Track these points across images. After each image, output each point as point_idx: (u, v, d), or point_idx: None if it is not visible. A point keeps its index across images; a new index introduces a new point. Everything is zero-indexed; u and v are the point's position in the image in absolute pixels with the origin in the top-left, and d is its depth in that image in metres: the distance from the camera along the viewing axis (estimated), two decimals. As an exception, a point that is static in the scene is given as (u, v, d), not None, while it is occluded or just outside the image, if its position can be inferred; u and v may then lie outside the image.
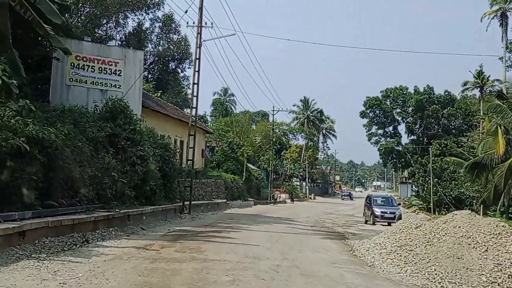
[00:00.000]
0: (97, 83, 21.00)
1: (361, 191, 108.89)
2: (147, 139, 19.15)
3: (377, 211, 25.85)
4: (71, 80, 20.75)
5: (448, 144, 56.79)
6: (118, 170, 15.41)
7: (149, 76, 46.06)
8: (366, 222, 27.55)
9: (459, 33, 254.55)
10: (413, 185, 65.80)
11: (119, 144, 16.49)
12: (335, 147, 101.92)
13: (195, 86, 22.41)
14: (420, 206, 50.34)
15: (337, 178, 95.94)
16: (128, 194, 16.01)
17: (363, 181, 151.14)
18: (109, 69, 21.38)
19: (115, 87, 20.99)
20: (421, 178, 49.84)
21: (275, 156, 68.76)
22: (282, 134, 66.99)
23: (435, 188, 46.08)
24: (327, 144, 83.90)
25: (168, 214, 19.26)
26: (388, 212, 25.81)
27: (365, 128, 65.23)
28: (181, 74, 47.00)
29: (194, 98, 22.47)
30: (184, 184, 22.80)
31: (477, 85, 48.42)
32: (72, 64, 20.78)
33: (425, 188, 48.25)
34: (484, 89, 48.44)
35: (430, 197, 46.28)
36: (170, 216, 19.44)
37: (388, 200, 27.83)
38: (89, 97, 20.36)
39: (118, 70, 21.52)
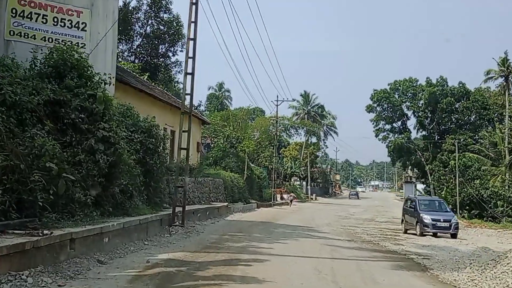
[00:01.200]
0: (50, 39, 14.27)
1: (364, 191, 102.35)
2: (118, 116, 12.57)
3: (427, 218, 19.38)
4: (12, 33, 14.04)
5: (464, 140, 50.90)
6: (61, 159, 8.78)
7: (136, 61, 39.42)
8: (406, 231, 21.12)
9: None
10: (426, 185, 59.75)
11: (68, 118, 9.88)
12: (336, 145, 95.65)
13: (191, 43, 15.70)
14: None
15: (337, 177, 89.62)
16: (81, 199, 9.40)
17: (360, 180, 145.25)
18: (69, 20, 14.67)
19: (77, 46, 14.28)
20: (441, 176, 43.53)
21: (274, 154, 62.28)
22: (284, 129, 60.22)
23: (460, 187, 39.89)
24: (325, 142, 77.46)
25: (151, 228, 12.57)
26: (442, 220, 19.36)
27: (372, 123, 59.05)
28: (173, 59, 40.37)
29: (190, 61, 15.67)
30: (175, 183, 16.14)
31: (501, 73, 42.31)
32: (14, 11, 14.07)
33: (447, 188, 41.99)
34: (510, 78, 42.36)
35: (454, 196, 39.96)
36: (154, 232, 12.77)
37: (438, 204, 21.32)
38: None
39: (82, 23, 14.82)
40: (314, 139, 74.81)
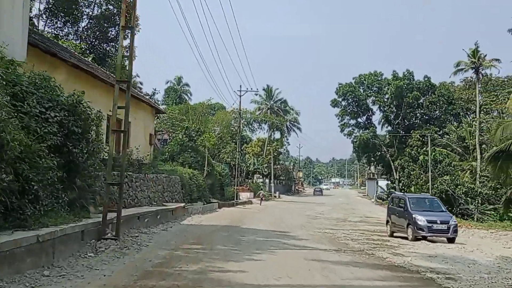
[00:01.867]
0: None
1: (328, 189, 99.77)
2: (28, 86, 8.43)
3: (421, 220, 16.15)
4: None
5: (431, 134, 48.95)
6: None
7: (84, 44, 34.52)
8: (392, 234, 17.90)
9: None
10: (391, 181, 57.75)
11: None
12: (300, 141, 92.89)
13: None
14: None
15: (300, 174, 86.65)
16: None
17: (320, 178, 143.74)
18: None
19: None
20: (411, 171, 41.16)
21: (237, 149, 58.49)
22: (246, 123, 56.47)
23: (431, 182, 37.57)
24: (287, 139, 74.25)
25: (64, 247, 8.34)
26: (439, 222, 16.20)
27: (338, 118, 56.36)
28: (125, 43, 35.63)
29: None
30: (110, 179, 11.99)
31: (472, 65, 40.37)
32: None
33: (416, 184, 39.65)
34: (480, 70, 40.51)
35: (425, 192, 37.54)
36: (70, 251, 8.59)
37: (431, 202, 18.08)
38: None
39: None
40: (277, 135, 71.68)
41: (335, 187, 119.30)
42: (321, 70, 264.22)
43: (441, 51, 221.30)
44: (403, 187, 53.52)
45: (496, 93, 45.78)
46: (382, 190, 73.99)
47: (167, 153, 32.16)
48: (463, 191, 32.42)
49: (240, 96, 39.49)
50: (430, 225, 15.99)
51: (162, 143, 39.83)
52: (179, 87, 71.91)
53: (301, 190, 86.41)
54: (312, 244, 13.76)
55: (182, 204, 21.77)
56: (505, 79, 49.56)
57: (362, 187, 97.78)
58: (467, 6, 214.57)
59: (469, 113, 50.61)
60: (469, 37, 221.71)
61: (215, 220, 21.05)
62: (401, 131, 53.25)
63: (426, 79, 51.68)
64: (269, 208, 37.97)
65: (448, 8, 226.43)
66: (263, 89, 69.71)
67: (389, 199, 20.56)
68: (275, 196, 60.98)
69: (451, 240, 16.24)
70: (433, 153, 39.23)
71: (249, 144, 71.23)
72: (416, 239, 16.16)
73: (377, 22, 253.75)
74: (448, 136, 47.12)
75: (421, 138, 49.07)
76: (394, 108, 52.76)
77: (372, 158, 57.46)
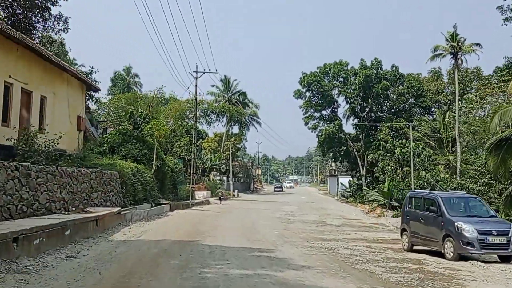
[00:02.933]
0: None
1: (292, 187, 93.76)
2: None
3: (469, 230, 10.67)
4: None
5: (401, 128, 44.75)
6: None
7: (2, 12, 27.02)
8: (411, 248, 12.44)
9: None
10: (357, 177, 53.23)
11: None
12: (259, 136, 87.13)
13: None
14: (381, 202, 36.96)
15: (259, 172, 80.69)
16: None
17: (277, 175, 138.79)
18: None
19: None
20: (386, 166, 36.38)
21: (193, 141, 51.94)
22: (203, 114, 49.68)
23: (408, 178, 32.90)
24: (245, 134, 68.25)
25: None
26: (494, 233, 10.75)
27: (302, 110, 50.92)
28: (54, 10, 28.38)
29: None
30: None
31: (451, 49, 36.08)
32: None
33: (392, 180, 34.87)
34: (459, 55, 36.31)
35: (402, 190, 32.81)
36: None
37: (473, 203, 12.45)
38: None
39: None
40: (235, 129, 65.67)
41: (295, 184, 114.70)
42: (300, 69, 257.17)
43: (428, 48, 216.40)
44: (371, 184, 49.15)
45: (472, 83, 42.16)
46: (344, 187, 69.88)
47: (106, 145, 25.33)
48: (452, 188, 27.78)
49: (196, 78, 33.07)
50: (482, 237, 10.54)
51: (102, 132, 32.79)
52: (128, 77, 64.31)
53: (260, 188, 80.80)
54: (324, 280, 7.88)
55: (116, 209, 15.22)
56: (474, 70, 46.16)
57: (321, 184, 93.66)
58: (454, 4, 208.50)
59: (439, 105, 46.83)
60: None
61: (163, 232, 14.75)
62: (368, 124, 48.67)
63: (393, 68, 47.31)
64: (231, 209, 31.95)
65: (435, 7, 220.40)
66: (221, 80, 63.46)
67: (405, 199, 14.90)
68: (233, 195, 54.99)
69: (507, 259, 10.92)
70: (409, 146, 34.62)
71: (205, 139, 64.81)
72: (459, 258, 10.71)
73: (360, 21, 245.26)
74: (419, 129, 42.95)
75: (391, 132, 44.66)
76: (360, 100, 48.09)
77: (338, 154, 52.56)
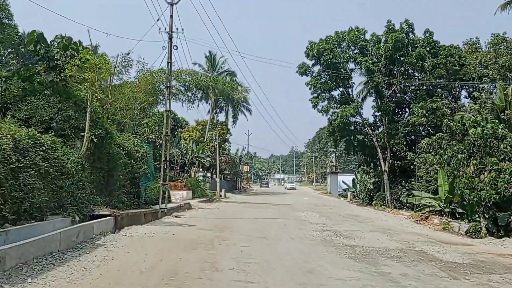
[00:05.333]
0: None
1: (294, 188, 72.02)
2: None
3: None
4: None
5: (438, 107, 32.96)
6: None
7: None
8: None
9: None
10: (374, 175, 41.09)
11: None
12: (248, 126, 73.33)
13: None
14: (436, 208, 25.04)
15: (245, 168, 67.94)
16: None
17: (261, 174, 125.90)
18: None
19: None
20: (455, 155, 24.04)
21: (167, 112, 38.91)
22: (182, 89, 35.97)
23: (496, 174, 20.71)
24: (234, 122, 55.13)
25: None
26: None
27: (310, 88, 38.38)
28: None
29: None
30: None
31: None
32: None
33: (464, 178, 22.61)
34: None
35: (484, 192, 20.61)
36: None
37: None
38: None
39: None
40: (221, 118, 52.79)
41: (281, 183, 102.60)
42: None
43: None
44: (396, 181, 37.14)
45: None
46: (347, 187, 57.79)
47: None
48: None
49: (173, 3, 19.87)
50: None
51: None
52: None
53: (248, 188, 67.85)
54: None
55: None
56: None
57: (315, 184, 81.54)
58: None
59: (487, 79, 35.07)
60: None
61: None
62: (387, 110, 36.34)
63: (427, 35, 35.35)
64: (225, 219, 19.13)
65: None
66: (205, 57, 50.45)
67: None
68: (220, 195, 42.09)
69: None
70: (486, 125, 22.44)
71: (185, 128, 51.66)
72: None
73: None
74: (468, 108, 31.09)
75: (427, 114, 32.62)
76: (385, 74, 35.93)
77: (351, 144, 40.11)
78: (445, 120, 24.17)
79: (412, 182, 34.09)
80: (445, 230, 20.74)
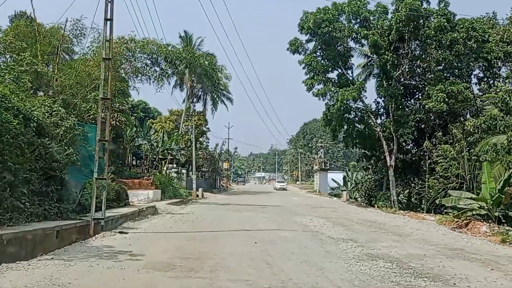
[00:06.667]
0: None
1: (285, 188, 57.72)
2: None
3: None
4: None
5: (459, 90, 26.98)
6: None
7: None
8: None
9: None
10: (378, 171, 34.68)
11: None
12: (229, 118, 65.96)
13: None
14: (481, 212, 18.59)
15: (225, 166, 60.28)
16: None
17: (240, 172, 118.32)
18: None
19: None
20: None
21: (137, 126, 31.39)
22: (150, 61, 27.70)
23: None
24: (214, 110, 47.62)
25: None
26: None
27: (303, 68, 31.57)
28: None
29: None
30: None
31: None
32: None
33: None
34: None
35: None
36: None
37: None
38: None
39: None
40: (199, 107, 45.49)
41: (268, 181, 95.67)
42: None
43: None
44: (404, 179, 30.97)
45: None
46: (338, 185, 51.42)
47: None
48: None
49: None
50: None
51: None
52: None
53: (228, 186, 60.42)
54: None
55: None
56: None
57: (300, 182, 74.76)
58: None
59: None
60: None
61: None
62: (395, 94, 29.89)
63: (442, 5, 29.07)
64: (201, 232, 12.01)
65: None
66: (180, 37, 42.99)
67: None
68: (197, 195, 34.85)
69: None
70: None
71: (156, 119, 44.21)
72: None
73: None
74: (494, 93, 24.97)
75: (448, 99, 26.31)
76: (393, 51, 29.49)
77: (350, 135, 33.48)
78: (500, 93, 17.71)
79: (425, 179, 27.91)
80: (505, 242, 14.36)
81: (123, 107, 18.29)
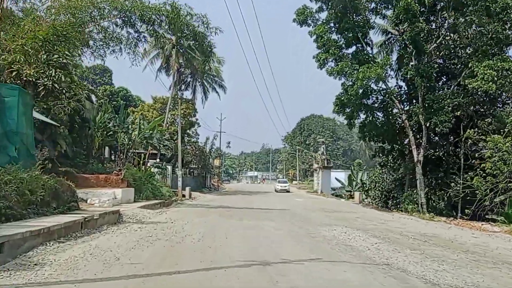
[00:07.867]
0: None
1: (288, 190, 46.70)
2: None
3: None
4: None
5: (510, 68, 21.08)
6: None
7: None
8: None
9: None
10: (402, 167, 28.40)
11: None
12: (221, 108, 58.29)
13: None
14: None
15: (216, 163, 53.19)
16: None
17: (231, 172, 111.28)
18: None
19: None
20: None
21: (115, 115, 24.95)
22: (124, 21, 20.80)
23: None
24: (205, 98, 41.10)
25: None
26: None
27: (314, 40, 25.31)
28: None
29: None
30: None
31: None
32: None
33: None
34: None
35: None
36: None
37: None
38: None
39: None
40: (188, 95, 39.00)
41: (262, 181, 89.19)
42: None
43: None
44: (431, 177, 25.11)
45: None
46: (342, 184, 45.36)
47: None
48: None
49: None
50: None
51: None
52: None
53: (220, 185, 53.63)
54: None
55: None
56: None
57: (298, 181, 68.42)
58: None
59: None
60: None
61: None
62: (428, 73, 23.68)
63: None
64: (173, 274, 5.65)
65: None
66: (165, 17, 36.32)
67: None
68: (184, 196, 28.37)
69: None
70: None
71: (139, 107, 37.63)
72: None
73: None
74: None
75: (496, 78, 20.28)
76: (425, 23, 23.41)
77: (369, 123, 27.31)
78: None
79: (460, 177, 22.30)
80: None
81: (65, 61, 11.86)
